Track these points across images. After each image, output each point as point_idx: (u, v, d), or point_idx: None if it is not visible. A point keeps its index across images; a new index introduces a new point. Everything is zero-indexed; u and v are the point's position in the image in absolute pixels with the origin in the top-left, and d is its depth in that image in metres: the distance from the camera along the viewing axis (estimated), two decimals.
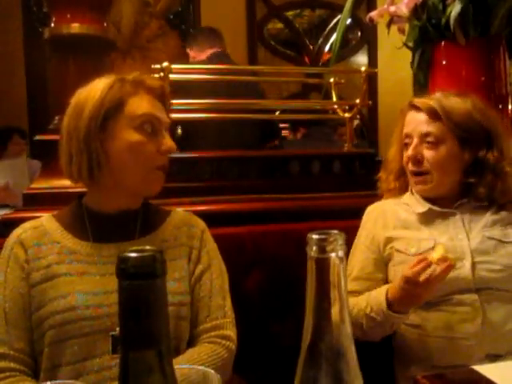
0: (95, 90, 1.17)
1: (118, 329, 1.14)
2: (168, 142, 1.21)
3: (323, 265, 0.51)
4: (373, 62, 5.06)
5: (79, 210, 1.24)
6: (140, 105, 1.18)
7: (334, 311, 0.52)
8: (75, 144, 1.16)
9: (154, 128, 1.20)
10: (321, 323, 0.52)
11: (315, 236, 0.50)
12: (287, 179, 1.92)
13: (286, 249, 1.70)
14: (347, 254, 1.34)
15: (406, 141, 1.52)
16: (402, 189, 1.60)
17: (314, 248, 0.50)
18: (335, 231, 0.50)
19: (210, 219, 1.36)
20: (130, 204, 1.24)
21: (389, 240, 1.50)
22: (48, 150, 1.67)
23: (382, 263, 1.51)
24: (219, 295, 1.27)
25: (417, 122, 1.48)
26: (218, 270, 1.31)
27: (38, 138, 1.69)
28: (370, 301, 1.38)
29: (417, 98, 1.53)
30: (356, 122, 3.40)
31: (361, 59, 5.21)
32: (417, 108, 1.49)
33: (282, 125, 3.13)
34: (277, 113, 2.80)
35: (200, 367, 0.56)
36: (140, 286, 0.42)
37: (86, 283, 1.15)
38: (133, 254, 0.42)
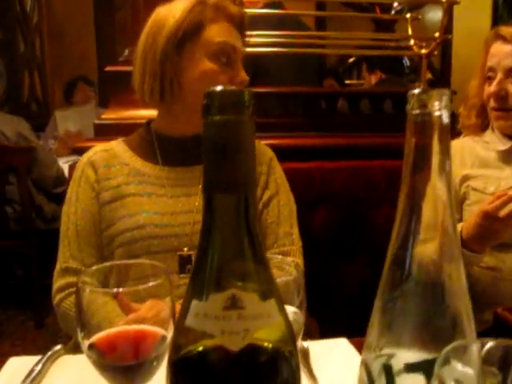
0: (175, 9, 1.14)
1: (185, 249, 1.17)
2: (242, 74, 1.17)
3: (424, 126, 0.45)
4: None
5: (148, 134, 1.23)
6: (218, 32, 1.15)
7: (433, 184, 0.47)
8: (150, 64, 1.14)
9: (229, 58, 1.16)
10: (418, 202, 0.47)
11: (417, 91, 0.44)
12: (358, 117, 1.85)
13: (355, 186, 1.65)
14: None
15: (489, 74, 1.40)
16: (483, 126, 1.50)
17: (414, 105, 0.44)
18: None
19: (277, 154, 1.33)
20: (200, 129, 1.22)
21: (465, 178, 1.41)
22: (118, 81, 1.68)
23: (457, 202, 1.43)
24: (287, 222, 1.24)
25: (502, 55, 1.36)
26: (285, 198, 1.27)
27: (107, 69, 1.70)
28: None
29: (504, 27, 1.40)
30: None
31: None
32: (504, 39, 1.37)
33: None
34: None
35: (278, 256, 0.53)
36: (228, 122, 0.39)
37: (153, 203, 1.16)
38: (221, 88, 0.39)
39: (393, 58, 3.31)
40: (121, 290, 0.54)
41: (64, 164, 2.94)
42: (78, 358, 0.88)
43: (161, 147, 1.21)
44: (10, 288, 3.08)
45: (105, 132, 1.63)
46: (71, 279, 1.11)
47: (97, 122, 1.69)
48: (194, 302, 0.40)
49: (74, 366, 0.81)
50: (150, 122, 1.26)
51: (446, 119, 0.45)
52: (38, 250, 2.76)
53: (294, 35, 1.85)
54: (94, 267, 0.58)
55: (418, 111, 0.45)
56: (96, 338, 0.54)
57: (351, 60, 4.42)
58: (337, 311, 1.57)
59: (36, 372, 0.76)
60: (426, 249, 0.49)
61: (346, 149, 1.73)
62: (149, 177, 1.18)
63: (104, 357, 0.53)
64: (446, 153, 0.46)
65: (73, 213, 1.17)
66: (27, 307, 2.89)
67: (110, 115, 1.69)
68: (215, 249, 0.39)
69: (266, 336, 0.41)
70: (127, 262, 0.61)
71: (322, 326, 1.46)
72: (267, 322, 0.40)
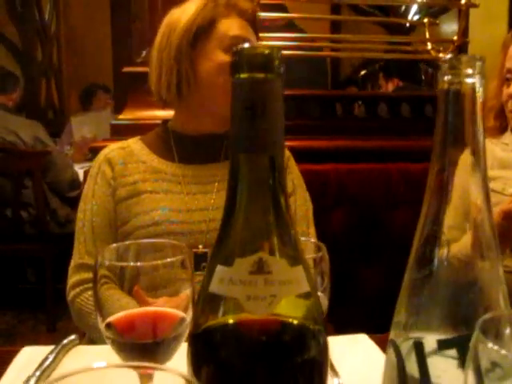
0: (189, 8, 1.16)
1: (200, 246, 1.16)
2: None
3: (456, 94, 0.43)
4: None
5: (165, 132, 1.24)
6: (231, 27, 1.15)
7: (465, 157, 0.45)
8: (166, 61, 1.15)
9: None
10: (450, 175, 0.45)
11: (449, 56, 0.43)
12: (376, 121, 1.83)
13: (372, 189, 1.62)
14: None
15: (508, 76, 1.38)
16: (502, 128, 1.48)
17: (446, 72, 0.43)
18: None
19: (294, 155, 1.31)
20: (216, 127, 1.22)
21: None
22: (134, 82, 1.69)
23: None
24: (303, 222, 1.23)
25: None
26: (302, 198, 1.26)
27: (125, 70, 1.70)
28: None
29: None
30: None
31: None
32: None
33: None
34: None
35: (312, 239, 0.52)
36: (257, 80, 0.37)
37: (169, 200, 1.15)
38: (250, 45, 0.38)
39: (410, 66, 3.30)
40: (138, 263, 0.53)
41: (79, 169, 2.95)
42: (93, 349, 0.86)
43: (177, 145, 1.21)
44: (22, 292, 3.08)
45: (121, 132, 1.63)
46: (86, 275, 1.10)
47: (113, 122, 1.69)
48: (219, 268, 0.38)
49: (88, 356, 0.79)
50: (166, 120, 1.26)
51: (479, 87, 0.44)
52: (51, 254, 2.76)
53: (309, 38, 1.84)
54: (112, 245, 0.56)
55: (449, 77, 0.43)
56: (114, 317, 0.53)
57: (364, 72, 4.41)
58: (352, 314, 1.54)
59: (50, 360, 0.74)
60: (459, 226, 0.47)
61: (362, 151, 1.71)
62: (165, 174, 1.18)
63: (122, 335, 0.52)
64: (478, 123, 0.44)
65: (89, 209, 1.16)
66: (39, 311, 2.88)
67: (127, 115, 1.69)
68: (241, 211, 0.38)
69: (294, 305, 0.39)
70: (147, 240, 0.60)
71: (337, 328, 1.43)
72: (295, 290, 0.38)
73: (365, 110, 1.86)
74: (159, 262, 0.51)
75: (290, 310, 0.39)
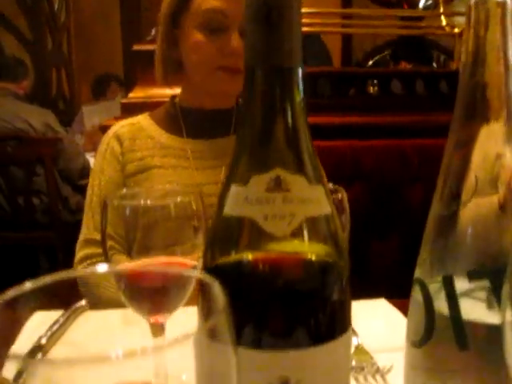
0: None
1: (210, 221, 1.15)
2: (232, 43, 1.09)
3: (485, 14, 0.40)
4: None
5: (173, 107, 1.22)
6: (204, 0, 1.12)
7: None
8: (158, 41, 1.16)
9: (220, 25, 1.11)
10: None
11: None
12: (390, 98, 1.79)
13: (388, 165, 1.59)
14: None
15: None
16: None
17: None
18: None
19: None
20: (220, 103, 1.20)
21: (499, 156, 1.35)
22: (144, 60, 1.66)
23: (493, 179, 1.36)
24: None
25: None
26: None
27: (135, 48, 1.68)
28: None
29: None
30: None
31: None
32: None
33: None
34: None
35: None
36: None
37: (178, 175, 1.14)
38: None
39: (421, 52, 3.23)
40: (148, 202, 0.50)
41: (90, 158, 2.93)
42: (102, 314, 0.85)
43: (185, 120, 1.20)
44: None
45: (131, 110, 1.61)
46: (94, 250, 1.09)
47: (124, 100, 1.67)
48: (233, 188, 0.35)
49: (97, 321, 0.78)
50: (174, 96, 1.25)
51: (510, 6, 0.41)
52: (63, 242, 2.75)
53: (318, 13, 1.80)
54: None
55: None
56: (125, 265, 0.51)
57: (376, 58, 4.34)
58: (367, 289, 1.51)
59: (60, 323, 0.73)
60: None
61: (377, 128, 1.68)
62: (174, 150, 1.17)
63: (131, 280, 0.49)
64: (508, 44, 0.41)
65: (97, 185, 1.16)
66: None
67: (137, 94, 1.67)
68: (256, 126, 0.35)
69: (315, 228, 0.36)
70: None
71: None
72: (316, 210, 0.35)
73: (379, 87, 1.82)
74: (169, 202, 0.48)
75: (311, 235, 0.36)
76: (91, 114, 3.68)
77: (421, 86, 1.85)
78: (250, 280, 0.36)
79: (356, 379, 0.60)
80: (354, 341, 0.67)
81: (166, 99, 1.46)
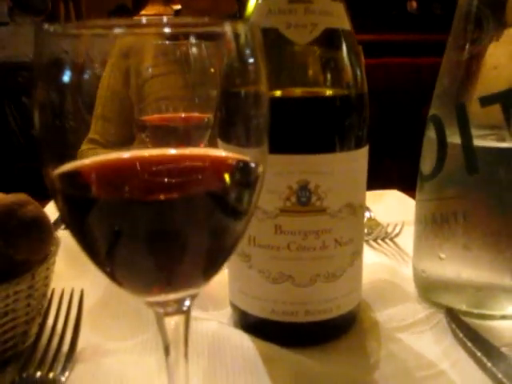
0: None
1: None
2: None
3: None
4: None
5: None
6: None
7: None
8: None
9: None
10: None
11: None
12: (404, 17, 1.76)
13: (401, 82, 1.58)
14: None
15: None
16: None
17: None
18: None
19: None
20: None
21: None
22: None
23: None
24: None
25: None
26: None
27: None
28: None
29: None
30: None
31: None
32: None
33: None
34: None
35: None
36: None
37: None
38: None
39: None
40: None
41: None
42: None
43: None
44: None
45: None
46: (94, 146, 1.12)
47: (134, 18, 1.66)
48: (256, 5, 0.37)
49: None
50: (179, 10, 1.27)
51: None
52: None
53: None
54: None
55: None
56: None
57: None
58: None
59: None
60: None
61: (391, 45, 1.66)
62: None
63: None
64: None
65: (102, 96, 1.18)
66: None
67: (148, 11, 1.66)
68: None
69: (335, 39, 0.38)
70: None
71: None
72: (336, 22, 0.37)
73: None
74: None
75: (331, 45, 0.38)
76: None
77: (437, 8, 1.81)
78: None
79: (367, 242, 0.63)
80: (367, 214, 0.70)
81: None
